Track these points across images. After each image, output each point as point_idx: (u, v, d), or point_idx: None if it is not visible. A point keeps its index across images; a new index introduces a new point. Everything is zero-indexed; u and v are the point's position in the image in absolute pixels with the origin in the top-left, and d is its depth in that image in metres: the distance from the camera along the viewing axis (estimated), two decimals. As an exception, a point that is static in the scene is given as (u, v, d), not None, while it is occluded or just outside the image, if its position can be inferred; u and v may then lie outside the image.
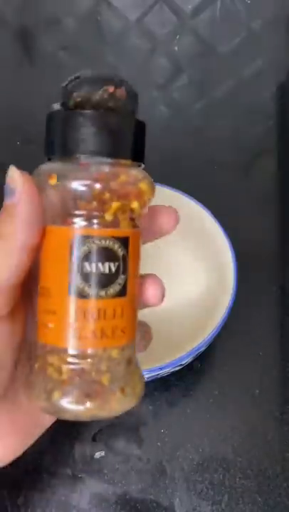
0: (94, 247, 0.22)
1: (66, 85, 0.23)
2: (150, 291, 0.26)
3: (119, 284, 0.23)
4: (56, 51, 0.61)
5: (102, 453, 0.37)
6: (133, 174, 0.23)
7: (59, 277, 0.23)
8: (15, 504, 0.35)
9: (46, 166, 0.23)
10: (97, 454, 0.37)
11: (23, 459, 0.37)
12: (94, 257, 0.22)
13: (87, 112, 0.22)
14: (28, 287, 0.25)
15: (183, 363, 0.36)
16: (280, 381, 0.41)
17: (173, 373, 0.38)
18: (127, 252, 0.23)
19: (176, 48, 0.62)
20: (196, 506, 0.36)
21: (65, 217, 0.23)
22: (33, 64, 0.61)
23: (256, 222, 0.49)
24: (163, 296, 0.26)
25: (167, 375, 0.38)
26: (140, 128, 0.24)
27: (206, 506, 0.36)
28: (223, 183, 0.52)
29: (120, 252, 0.23)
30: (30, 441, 0.26)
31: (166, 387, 0.40)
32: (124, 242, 0.23)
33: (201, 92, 0.60)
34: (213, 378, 0.41)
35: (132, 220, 0.23)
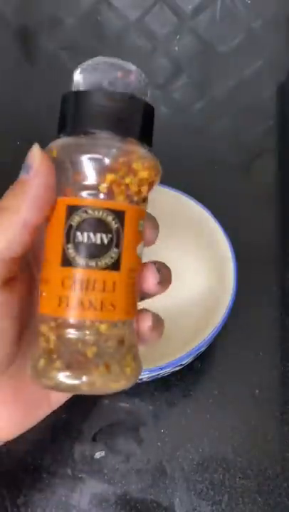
0: (87, 217, 0.23)
1: (78, 70, 0.24)
2: (146, 278, 0.26)
3: (112, 257, 0.23)
4: (56, 51, 0.61)
5: (102, 453, 0.37)
6: (129, 150, 0.23)
7: (55, 247, 0.23)
8: (15, 504, 0.35)
9: (52, 143, 0.24)
10: (97, 454, 0.37)
11: (23, 458, 0.37)
12: (86, 226, 0.23)
13: (93, 91, 0.23)
14: (30, 265, 0.25)
15: (183, 363, 0.36)
16: (280, 381, 0.41)
17: (173, 373, 0.38)
18: (122, 226, 0.23)
19: (176, 48, 0.62)
20: (196, 506, 0.36)
21: (63, 189, 0.23)
22: (33, 64, 0.61)
23: (256, 222, 0.49)
24: (161, 283, 0.26)
25: (167, 375, 0.38)
26: (144, 109, 0.24)
27: (206, 506, 0.36)
28: (223, 183, 0.52)
29: (114, 225, 0.23)
30: (34, 418, 0.26)
31: (166, 387, 0.40)
32: (118, 215, 0.23)
33: (201, 92, 0.60)
34: (213, 378, 0.41)
35: (130, 196, 0.24)
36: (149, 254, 0.46)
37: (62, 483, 0.36)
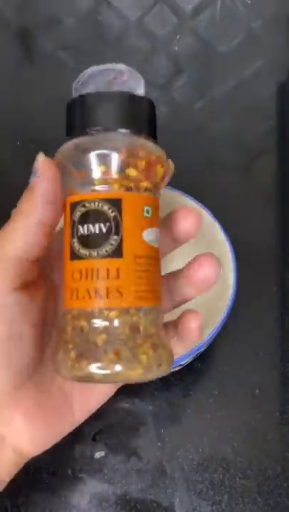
0: (86, 210, 0.24)
1: (77, 81, 0.26)
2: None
3: (112, 244, 0.24)
4: (56, 51, 0.61)
5: (102, 453, 0.37)
6: (113, 138, 0.24)
7: (65, 244, 0.25)
8: (15, 504, 0.35)
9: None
10: (97, 454, 0.37)
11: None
12: (86, 219, 0.24)
13: (86, 93, 0.25)
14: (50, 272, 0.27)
15: (183, 363, 0.36)
16: (280, 381, 0.41)
17: (173, 373, 0.38)
18: (120, 213, 0.24)
19: (176, 48, 0.62)
20: (196, 506, 0.36)
21: (68, 189, 0.25)
22: (33, 64, 0.61)
23: (256, 222, 0.49)
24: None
25: (167, 375, 0.38)
26: (139, 103, 0.25)
27: (206, 506, 0.36)
28: (223, 183, 0.52)
29: (111, 214, 0.24)
30: (58, 432, 0.26)
31: (166, 387, 0.40)
32: (115, 203, 0.24)
33: (201, 92, 0.60)
34: (213, 378, 0.41)
35: (125, 184, 0.24)
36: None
37: (62, 483, 0.36)
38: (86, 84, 0.26)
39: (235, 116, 0.57)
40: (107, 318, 0.23)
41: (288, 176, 0.53)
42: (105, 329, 0.23)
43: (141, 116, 0.25)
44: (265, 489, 0.36)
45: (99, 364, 0.23)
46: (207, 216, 0.42)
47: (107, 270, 0.23)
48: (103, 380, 0.23)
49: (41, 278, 0.26)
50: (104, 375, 0.23)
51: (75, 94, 0.26)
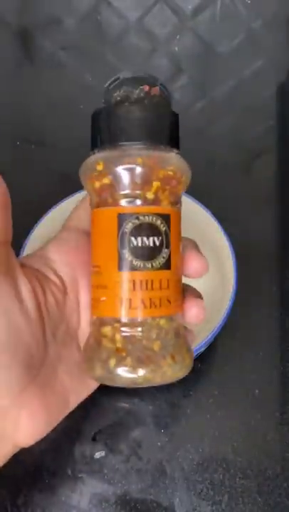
0: (139, 223, 0.25)
1: (108, 86, 0.27)
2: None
3: (164, 257, 0.25)
4: (56, 51, 0.61)
5: (102, 453, 0.38)
6: (167, 157, 0.25)
7: (109, 253, 0.25)
8: (15, 504, 0.35)
9: (92, 157, 0.26)
10: (97, 454, 0.37)
11: (23, 459, 0.37)
12: (140, 231, 0.25)
13: (126, 105, 0.26)
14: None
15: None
16: (280, 381, 0.41)
17: (173, 373, 0.38)
18: (169, 227, 0.26)
19: (176, 48, 0.62)
20: (196, 506, 0.36)
21: (112, 198, 0.25)
22: (33, 64, 0.61)
23: (256, 222, 0.49)
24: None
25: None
26: (173, 117, 0.26)
27: (206, 506, 0.36)
28: (223, 183, 0.52)
29: (163, 228, 0.25)
30: (54, 422, 0.27)
31: (166, 387, 0.40)
32: (165, 218, 0.25)
33: (201, 92, 0.60)
34: (213, 378, 0.41)
35: (172, 200, 0.26)
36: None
37: (62, 483, 0.36)
38: (117, 90, 0.26)
39: (235, 116, 0.57)
40: (158, 326, 0.25)
41: (288, 176, 0.53)
42: (159, 336, 0.25)
43: (177, 133, 0.27)
44: (265, 489, 0.36)
45: (159, 369, 0.25)
46: (207, 216, 0.42)
47: (160, 281, 0.25)
48: (160, 382, 0.25)
49: (46, 286, 0.27)
50: (164, 378, 0.25)
51: (105, 99, 0.26)
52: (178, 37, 0.62)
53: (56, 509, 0.35)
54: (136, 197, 0.25)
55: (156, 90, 0.26)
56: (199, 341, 0.36)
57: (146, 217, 0.25)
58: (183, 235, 0.46)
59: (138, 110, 0.25)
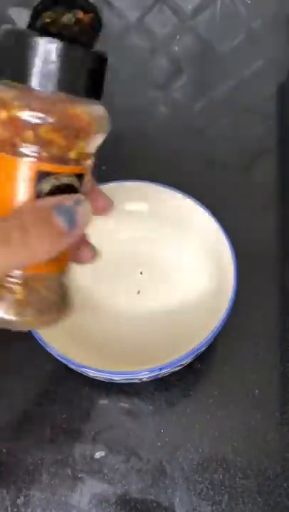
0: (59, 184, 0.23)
1: (37, 5, 0.22)
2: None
3: None
4: (56, 51, 0.61)
5: (102, 453, 0.37)
6: (90, 109, 0.22)
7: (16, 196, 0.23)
8: (15, 504, 0.35)
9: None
10: (97, 454, 0.37)
11: (23, 458, 0.37)
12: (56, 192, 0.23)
13: (51, 40, 0.21)
14: None
15: (183, 363, 0.36)
16: (280, 381, 0.41)
17: (173, 373, 0.38)
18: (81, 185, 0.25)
19: (176, 48, 0.62)
20: (196, 506, 0.36)
21: (16, 147, 0.22)
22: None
23: (256, 222, 0.49)
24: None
25: (167, 375, 0.38)
26: (97, 62, 0.22)
27: (206, 506, 0.36)
28: (223, 183, 0.52)
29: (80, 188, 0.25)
30: None
31: (166, 387, 0.40)
32: (80, 178, 0.24)
33: (201, 92, 0.60)
34: (213, 378, 0.41)
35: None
36: (148, 253, 0.46)
37: (62, 483, 0.36)
38: (46, 10, 0.22)
39: (235, 116, 0.57)
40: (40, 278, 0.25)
41: (288, 176, 0.53)
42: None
43: (100, 82, 0.24)
44: (265, 489, 0.36)
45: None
46: (207, 216, 0.42)
47: None
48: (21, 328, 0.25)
49: None
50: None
51: (32, 20, 0.22)
52: (178, 37, 0.62)
53: (56, 509, 0.35)
54: (41, 148, 0.22)
55: (89, 18, 0.22)
56: (199, 341, 0.36)
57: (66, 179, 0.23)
58: (183, 234, 0.46)
59: (61, 48, 0.21)
